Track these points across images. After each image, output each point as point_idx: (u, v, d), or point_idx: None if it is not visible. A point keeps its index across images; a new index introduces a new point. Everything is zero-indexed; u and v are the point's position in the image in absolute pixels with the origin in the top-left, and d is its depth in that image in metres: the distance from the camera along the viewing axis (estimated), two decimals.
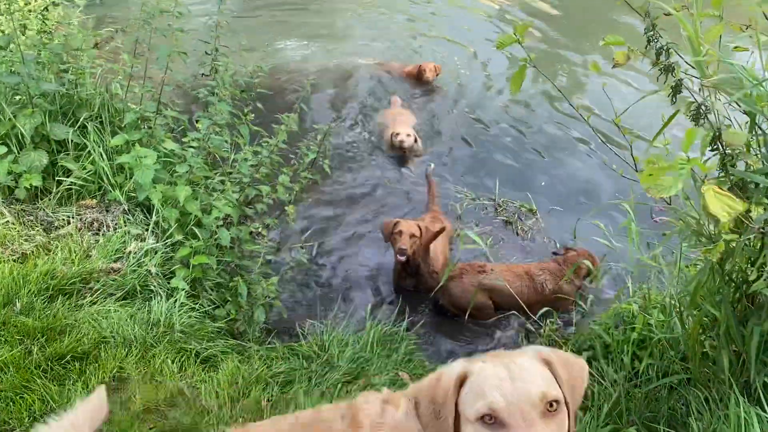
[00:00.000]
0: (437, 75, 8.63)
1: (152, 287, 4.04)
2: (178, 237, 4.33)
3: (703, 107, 2.77)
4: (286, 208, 4.87)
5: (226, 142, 4.91)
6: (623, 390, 3.80)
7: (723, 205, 2.14)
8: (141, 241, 4.23)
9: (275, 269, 5.03)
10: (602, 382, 4.06)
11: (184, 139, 4.73)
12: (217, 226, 4.32)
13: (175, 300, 3.81)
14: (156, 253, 4.16)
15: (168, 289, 4.06)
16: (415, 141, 7.04)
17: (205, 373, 3.37)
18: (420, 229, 5.05)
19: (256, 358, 3.63)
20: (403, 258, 4.95)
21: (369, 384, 3.49)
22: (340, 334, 3.87)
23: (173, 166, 4.64)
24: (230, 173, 4.79)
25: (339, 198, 6.18)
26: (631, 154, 3.13)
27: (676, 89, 2.81)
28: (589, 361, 4.30)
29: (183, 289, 4.04)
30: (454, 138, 7.54)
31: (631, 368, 4.13)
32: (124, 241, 4.21)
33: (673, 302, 3.89)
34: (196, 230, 4.32)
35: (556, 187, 6.79)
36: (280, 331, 4.43)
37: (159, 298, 3.89)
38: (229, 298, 4.32)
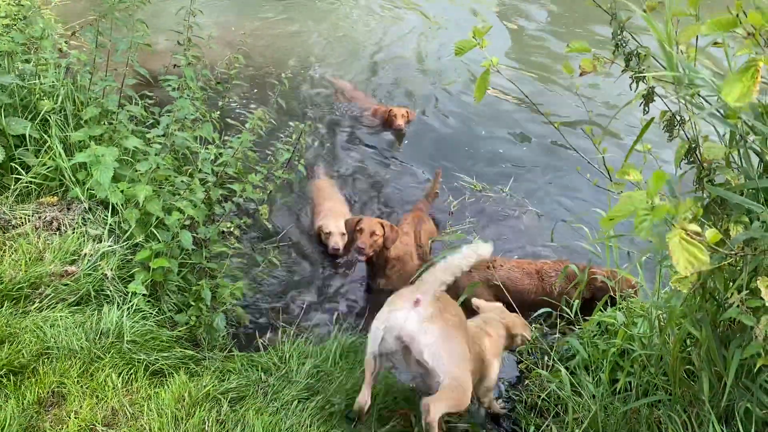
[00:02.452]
0: (408, 122, 7.46)
1: (108, 292, 3.86)
2: (139, 239, 4.14)
3: (677, 117, 2.54)
4: (258, 207, 4.68)
5: (194, 138, 4.70)
6: (600, 406, 3.61)
7: (688, 257, 1.92)
8: (98, 242, 4.04)
9: (245, 272, 4.85)
10: (581, 395, 3.87)
11: (148, 136, 4.54)
12: (181, 227, 4.12)
13: (129, 306, 3.62)
14: (114, 255, 3.96)
15: (125, 294, 3.88)
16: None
17: (152, 389, 3.18)
18: (383, 228, 4.89)
19: (209, 371, 3.44)
20: (361, 257, 4.85)
21: (327, 402, 3.30)
22: (302, 345, 3.68)
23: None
24: (200, 171, 4.59)
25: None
26: (604, 164, 2.90)
27: (648, 98, 2.58)
28: (571, 372, 4.10)
29: (141, 294, 3.86)
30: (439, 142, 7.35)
31: (613, 381, 3.94)
32: (81, 243, 4.03)
33: (657, 314, 3.67)
34: (158, 232, 4.14)
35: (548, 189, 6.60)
36: (244, 339, 4.25)
37: (113, 304, 3.71)
38: (192, 303, 4.14)
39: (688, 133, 2.53)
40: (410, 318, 3.01)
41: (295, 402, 3.24)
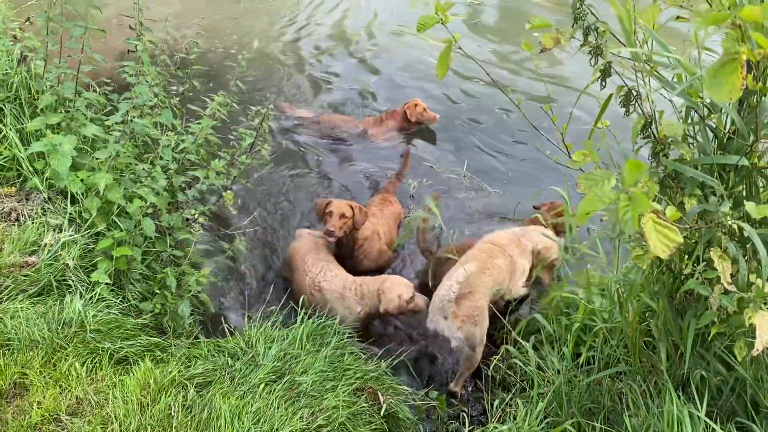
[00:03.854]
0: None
1: (70, 282, 3.81)
2: (101, 227, 4.09)
3: (633, 92, 2.59)
4: (223, 193, 4.65)
5: (154, 125, 4.64)
6: (564, 380, 3.68)
7: (662, 238, 1.98)
8: (59, 232, 3.97)
9: (212, 258, 4.82)
10: (546, 370, 3.94)
11: (107, 123, 4.46)
12: (143, 215, 4.07)
13: (92, 296, 3.57)
14: (75, 245, 3.90)
15: (88, 284, 3.83)
16: None
17: (117, 377, 3.15)
18: (352, 210, 4.93)
19: (175, 358, 3.43)
20: (331, 239, 4.87)
21: (294, 383, 3.31)
22: (268, 329, 3.67)
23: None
24: (161, 158, 4.53)
25: (281, 184, 5.96)
26: (563, 141, 2.94)
27: (605, 73, 2.62)
28: (534, 347, 4.19)
29: (104, 283, 3.82)
30: None
31: (576, 355, 4.03)
32: (41, 233, 3.96)
33: (616, 287, 3.75)
34: (119, 220, 4.08)
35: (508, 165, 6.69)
36: (211, 325, 4.23)
37: (76, 294, 3.66)
38: (158, 291, 4.10)
39: (644, 109, 2.58)
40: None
41: (262, 385, 3.24)
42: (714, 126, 2.64)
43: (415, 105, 7.03)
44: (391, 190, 6.01)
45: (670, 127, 2.41)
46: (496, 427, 3.19)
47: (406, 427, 3.55)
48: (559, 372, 3.79)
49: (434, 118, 7.13)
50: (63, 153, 4.00)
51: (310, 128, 7.05)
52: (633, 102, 2.60)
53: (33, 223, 4.03)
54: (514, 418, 3.80)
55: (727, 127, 2.59)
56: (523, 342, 4.06)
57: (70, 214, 4.13)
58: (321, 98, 7.70)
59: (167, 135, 4.36)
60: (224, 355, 3.52)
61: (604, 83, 2.66)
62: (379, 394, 3.51)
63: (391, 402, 3.52)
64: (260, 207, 5.58)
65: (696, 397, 2.86)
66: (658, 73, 2.47)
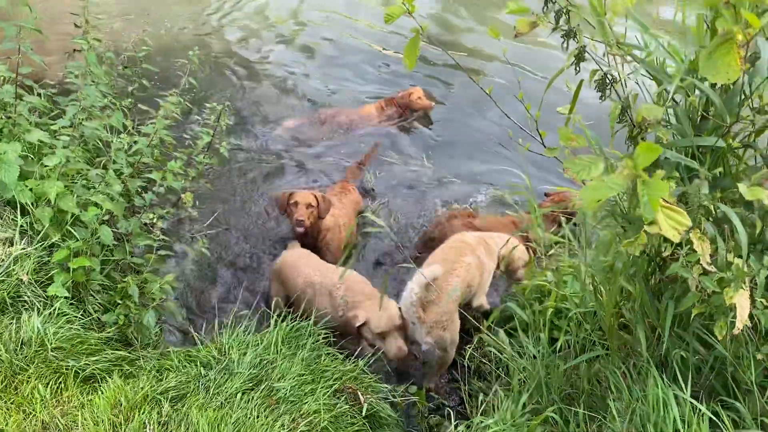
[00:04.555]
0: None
1: (26, 298, 3.60)
2: (55, 238, 3.88)
3: (608, 77, 2.56)
4: (182, 195, 4.48)
5: (103, 128, 4.42)
6: (542, 365, 3.68)
7: (672, 222, 1.96)
8: (9, 246, 3.75)
9: (175, 263, 4.66)
10: (521, 357, 3.94)
11: (53, 128, 4.23)
12: (99, 223, 3.88)
13: (51, 311, 3.39)
14: (29, 258, 3.69)
15: (45, 299, 3.63)
16: None
17: (85, 396, 2.99)
18: (317, 199, 4.92)
19: (145, 372, 3.28)
20: (301, 229, 4.85)
21: (272, 390, 3.21)
22: (241, 335, 3.55)
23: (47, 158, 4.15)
24: (114, 162, 4.32)
25: (241, 182, 5.81)
26: (537, 129, 2.90)
27: (579, 57, 2.58)
28: (509, 333, 4.18)
29: (63, 297, 3.63)
30: None
31: (552, 340, 4.04)
32: None
33: (587, 272, 3.76)
34: (74, 230, 3.88)
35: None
36: (179, 335, 4.08)
37: (34, 310, 3.46)
38: (119, 301, 3.93)
39: (619, 93, 2.55)
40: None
41: (239, 394, 3.13)
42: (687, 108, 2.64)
43: (410, 93, 7.13)
44: (350, 178, 5.95)
45: (649, 110, 2.38)
46: (482, 421, 3.14)
47: (388, 425, 3.49)
48: (535, 357, 3.79)
49: (428, 106, 7.21)
50: (8, 162, 3.76)
51: (316, 130, 7.00)
52: (609, 86, 2.57)
53: None
54: (496, 409, 3.80)
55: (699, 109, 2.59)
56: (498, 330, 4.05)
57: (21, 226, 3.90)
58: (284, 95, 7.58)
59: (120, 137, 4.17)
60: (196, 365, 3.39)
61: (578, 68, 2.63)
62: (359, 393, 3.44)
63: (371, 401, 3.45)
64: (222, 206, 5.41)
65: (679, 378, 2.87)
66: (634, 56, 2.44)
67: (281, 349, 3.46)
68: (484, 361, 4.33)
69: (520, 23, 2.55)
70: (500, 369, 4.14)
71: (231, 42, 8.70)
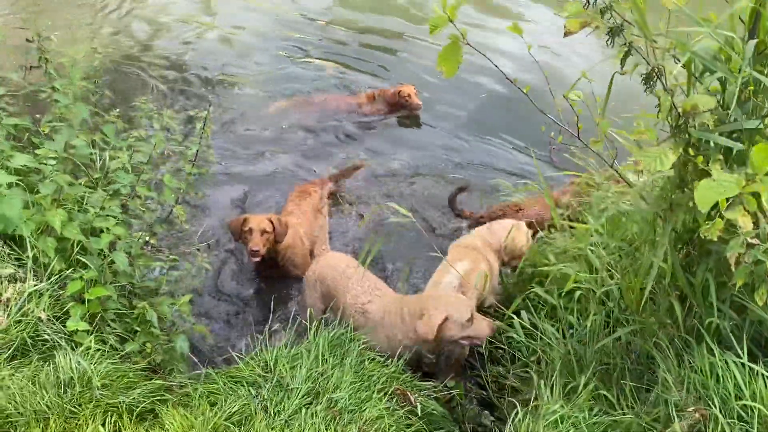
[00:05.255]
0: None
1: (46, 336, 3.40)
2: (64, 269, 3.68)
3: (656, 70, 2.70)
4: (173, 209, 4.31)
5: (91, 146, 4.21)
6: (572, 348, 3.83)
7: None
8: (21, 282, 3.52)
9: (175, 283, 4.50)
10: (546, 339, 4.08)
11: (38, 152, 3.96)
12: (110, 249, 3.71)
13: (86, 348, 3.22)
14: (41, 295, 3.48)
15: (67, 335, 3.45)
16: None
17: None
18: (272, 223, 4.81)
19: (194, 399, 3.19)
20: (256, 259, 4.74)
21: (331, 402, 3.20)
22: (283, 349, 3.50)
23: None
24: (108, 183, 4.13)
25: (231, 191, 5.68)
26: (577, 124, 3.01)
27: (627, 54, 2.70)
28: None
29: (84, 331, 3.46)
30: None
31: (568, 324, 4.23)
32: None
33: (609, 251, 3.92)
34: (86, 259, 3.70)
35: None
36: (205, 357, 3.98)
37: (61, 349, 3.28)
38: (137, 328, 3.78)
39: (666, 86, 2.69)
40: None
41: (302, 410, 3.11)
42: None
43: (399, 90, 7.15)
44: (317, 183, 5.90)
45: (703, 99, 2.53)
46: (549, 407, 3.23)
47: (439, 422, 3.55)
48: (565, 337, 3.94)
49: (418, 106, 7.25)
50: (10, 195, 3.53)
51: (303, 112, 7.09)
52: (655, 80, 2.71)
53: None
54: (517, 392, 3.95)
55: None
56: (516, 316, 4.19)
57: (20, 260, 3.67)
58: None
59: (120, 155, 3.98)
60: (244, 386, 3.32)
61: (623, 65, 2.74)
62: (409, 394, 3.48)
63: (420, 400, 3.50)
64: (212, 216, 5.27)
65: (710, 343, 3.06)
66: (684, 45, 2.58)
67: (328, 359, 3.44)
68: (502, 346, 4.46)
69: (571, 23, 2.64)
70: (519, 351, 4.31)
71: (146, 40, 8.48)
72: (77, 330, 3.44)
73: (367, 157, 6.66)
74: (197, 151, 4.63)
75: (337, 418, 3.11)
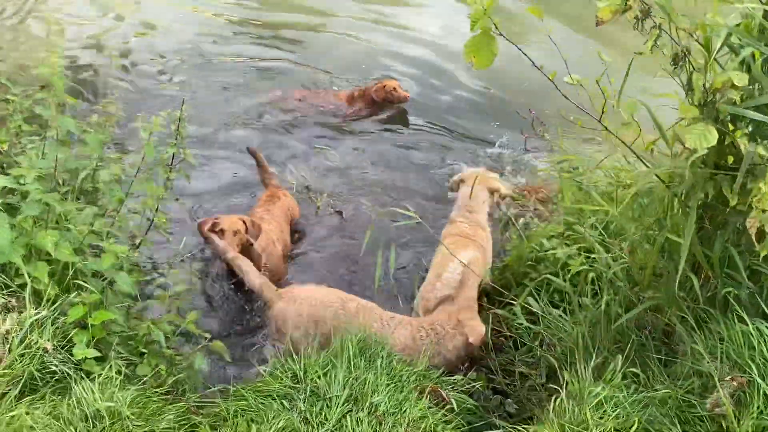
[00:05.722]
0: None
1: (53, 367, 3.16)
2: (59, 294, 3.43)
3: (684, 51, 2.75)
4: (153, 218, 4.06)
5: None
6: (587, 329, 3.88)
7: None
8: (18, 312, 3.25)
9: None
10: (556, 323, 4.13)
11: (16, 171, 3.64)
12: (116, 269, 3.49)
13: (105, 377, 3.01)
14: (43, 324, 3.22)
15: (75, 364, 3.21)
16: None
17: None
18: (245, 224, 4.66)
19: (231, 418, 3.04)
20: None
21: (372, 406, 3.12)
22: (306, 358, 3.39)
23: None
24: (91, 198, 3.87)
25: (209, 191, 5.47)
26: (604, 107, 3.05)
27: (658, 37, 2.75)
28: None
29: (92, 358, 3.23)
30: None
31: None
32: None
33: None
34: (84, 281, 3.46)
35: None
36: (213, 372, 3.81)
37: (75, 379, 3.06)
38: (144, 350, 3.57)
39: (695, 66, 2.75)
40: None
41: (348, 419, 3.01)
42: None
43: (384, 85, 7.05)
44: (275, 183, 5.78)
45: (737, 75, 2.60)
46: (592, 390, 3.25)
47: (473, 414, 3.52)
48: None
49: (406, 98, 7.15)
50: None
51: (291, 105, 7.09)
52: (682, 62, 2.76)
53: None
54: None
55: None
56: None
57: (14, 289, 3.39)
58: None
59: (111, 168, 3.73)
60: (275, 399, 3.19)
61: (655, 45, 2.79)
62: (441, 391, 3.44)
63: (452, 396, 3.47)
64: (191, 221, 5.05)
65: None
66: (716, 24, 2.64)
67: (359, 363, 3.35)
68: (504, 333, 4.50)
69: (604, 11, 2.66)
70: (519, 339, 4.36)
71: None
72: (86, 358, 3.22)
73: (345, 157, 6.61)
74: (173, 154, 4.38)
75: (382, 422, 3.03)
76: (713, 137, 2.49)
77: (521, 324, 4.34)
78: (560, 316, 4.21)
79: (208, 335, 3.59)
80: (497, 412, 3.78)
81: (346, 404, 3.10)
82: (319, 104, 7.28)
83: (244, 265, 4.16)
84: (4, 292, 3.39)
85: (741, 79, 2.60)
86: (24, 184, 3.59)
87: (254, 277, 4.11)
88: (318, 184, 6.25)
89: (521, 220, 5.19)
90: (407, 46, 8.82)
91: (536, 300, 4.36)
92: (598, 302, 3.81)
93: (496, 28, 2.77)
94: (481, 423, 3.46)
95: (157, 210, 4.07)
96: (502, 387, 4.16)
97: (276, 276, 4.84)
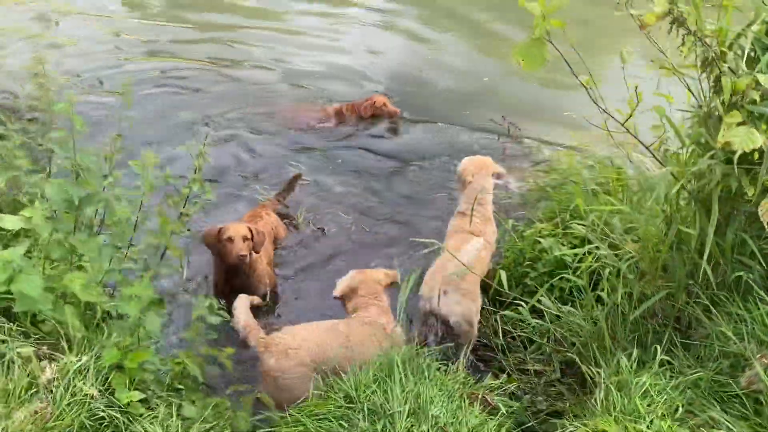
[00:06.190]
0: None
1: (100, 413, 3.02)
2: (87, 335, 3.29)
3: (713, 53, 2.95)
4: (171, 251, 3.95)
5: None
6: (606, 325, 4.03)
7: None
8: (50, 360, 3.09)
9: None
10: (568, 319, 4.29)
11: (30, 212, 3.44)
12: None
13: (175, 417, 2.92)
14: (86, 370, 3.08)
15: (120, 408, 3.08)
16: None
17: None
18: (251, 232, 4.78)
19: None
20: (246, 261, 4.70)
21: (433, 419, 3.16)
22: (366, 373, 3.39)
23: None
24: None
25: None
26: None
27: (693, 42, 2.93)
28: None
29: (137, 401, 3.12)
30: None
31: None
32: (28, 372, 3.02)
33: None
34: (113, 323, 3.34)
35: None
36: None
37: (125, 422, 2.95)
38: (180, 386, 3.47)
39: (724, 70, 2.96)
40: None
41: None
42: None
43: (374, 102, 7.13)
44: (267, 206, 5.79)
45: (762, 77, 2.82)
46: (638, 380, 3.38)
47: (513, 414, 3.60)
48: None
49: (396, 113, 7.24)
50: (25, 269, 3.06)
51: (281, 120, 7.15)
52: (712, 64, 2.97)
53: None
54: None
55: None
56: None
57: (40, 336, 3.22)
58: None
59: (122, 203, 3.58)
60: (331, 421, 3.17)
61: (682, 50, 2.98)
62: (486, 396, 3.52)
63: (495, 399, 3.55)
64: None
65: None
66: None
67: (410, 376, 3.38)
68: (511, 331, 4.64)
69: (648, 17, 2.82)
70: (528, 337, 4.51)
71: None
72: (131, 401, 3.10)
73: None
74: (192, 188, 4.23)
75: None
76: (758, 138, 2.69)
77: (529, 323, 4.48)
78: (569, 311, 4.37)
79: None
80: (528, 411, 3.90)
81: (410, 419, 3.12)
82: (308, 120, 7.31)
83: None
84: (31, 339, 3.21)
85: (766, 80, 2.82)
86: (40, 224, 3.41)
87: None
88: (297, 199, 6.21)
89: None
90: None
91: (546, 298, 4.50)
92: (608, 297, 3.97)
93: (547, 32, 2.89)
94: (528, 424, 3.56)
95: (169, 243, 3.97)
96: (519, 385, 4.30)
97: (270, 283, 5.04)
